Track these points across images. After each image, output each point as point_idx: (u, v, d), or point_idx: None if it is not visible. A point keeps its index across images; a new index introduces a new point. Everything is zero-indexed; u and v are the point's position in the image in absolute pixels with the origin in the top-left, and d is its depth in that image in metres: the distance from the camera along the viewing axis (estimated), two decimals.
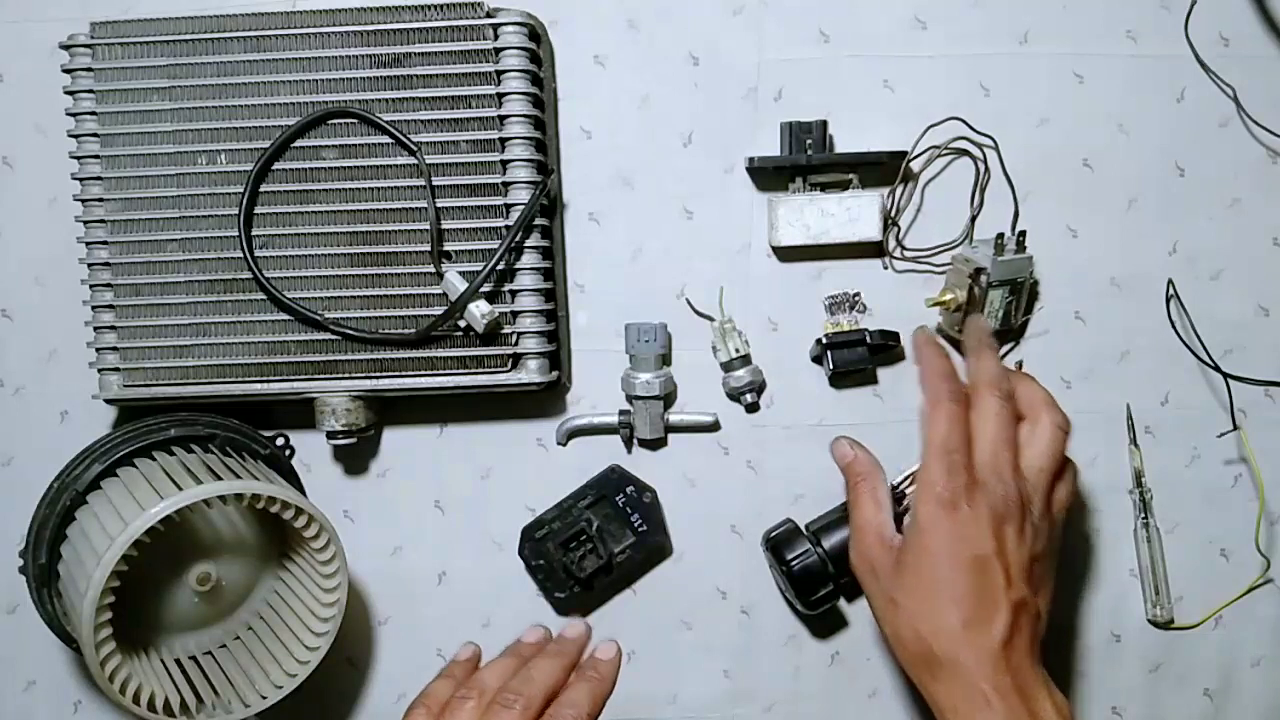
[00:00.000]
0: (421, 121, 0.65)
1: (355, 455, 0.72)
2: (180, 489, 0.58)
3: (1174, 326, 0.71)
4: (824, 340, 0.70)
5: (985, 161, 0.70)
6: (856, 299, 0.71)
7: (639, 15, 0.70)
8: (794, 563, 0.67)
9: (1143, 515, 0.72)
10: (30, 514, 0.64)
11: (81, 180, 0.66)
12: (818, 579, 0.67)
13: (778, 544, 0.68)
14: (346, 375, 0.67)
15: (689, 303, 0.71)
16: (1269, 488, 0.72)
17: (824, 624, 0.73)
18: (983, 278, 0.66)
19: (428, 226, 0.65)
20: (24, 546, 0.65)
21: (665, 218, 0.71)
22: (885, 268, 0.71)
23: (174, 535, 0.62)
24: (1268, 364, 0.72)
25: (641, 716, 0.74)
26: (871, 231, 0.69)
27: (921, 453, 0.59)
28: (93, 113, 0.66)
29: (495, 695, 0.55)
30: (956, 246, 0.71)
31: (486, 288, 0.66)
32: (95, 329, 0.67)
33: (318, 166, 0.66)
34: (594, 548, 0.70)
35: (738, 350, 0.70)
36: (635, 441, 0.72)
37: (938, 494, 0.57)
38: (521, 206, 0.65)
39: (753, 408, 0.72)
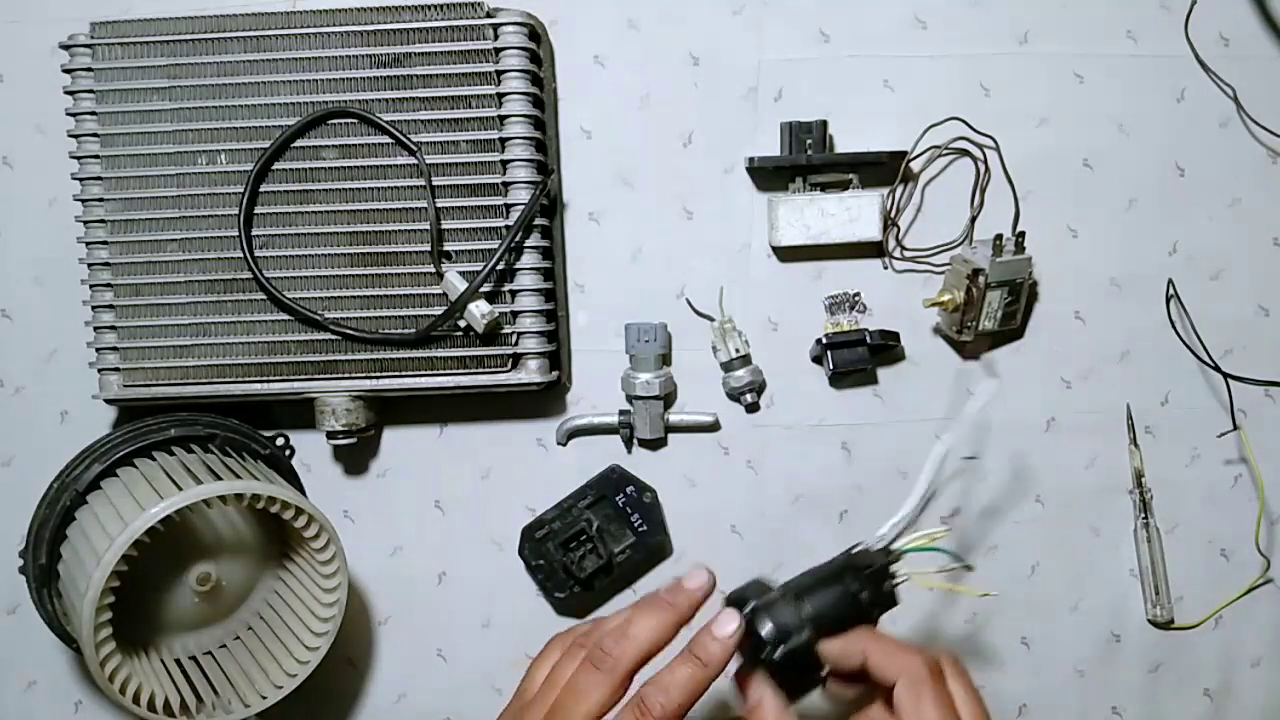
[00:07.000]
0: (421, 121, 0.65)
1: (355, 455, 0.72)
2: (180, 489, 0.58)
3: (1174, 326, 0.71)
4: (824, 340, 0.70)
5: (985, 161, 0.70)
6: (856, 299, 0.71)
7: (639, 15, 0.70)
8: (778, 651, 0.50)
9: (1143, 515, 0.72)
10: (30, 514, 0.64)
11: (81, 180, 0.66)
12: (808, 665, 0.51)
13: (752, 618, 0.51)
14: (346, 375, 0.67)
15: (689, 303, 0.71)
16: (1269, 488, 0.72)
17: None
18: (981, 279, 0.66)
19: (428, 226, 0.65)
20: (24, 546, 0.65)
21: (665, 218, 0.71)
22: (885, 268, 0.71)
23: (174, 535, 0.62)
24: (1268, 364, 0.72)
25: None
26: (871, 231, 0.68)
27: None
28: (93, 113, 0.66)
29: (591, 649, 0.51)
30: (956, 247, 0.71)
31: (486, 288, 0.66)
32: (95, 329, 0.67)
33: (318, 166, 0.66)
34: (594, 548, 0.70)
35: (738, 350, 0.70)
36: (635, 441, 0.72)
37: None
38: (521, 206, 0.65)
39: (753, 408, 0.72)
